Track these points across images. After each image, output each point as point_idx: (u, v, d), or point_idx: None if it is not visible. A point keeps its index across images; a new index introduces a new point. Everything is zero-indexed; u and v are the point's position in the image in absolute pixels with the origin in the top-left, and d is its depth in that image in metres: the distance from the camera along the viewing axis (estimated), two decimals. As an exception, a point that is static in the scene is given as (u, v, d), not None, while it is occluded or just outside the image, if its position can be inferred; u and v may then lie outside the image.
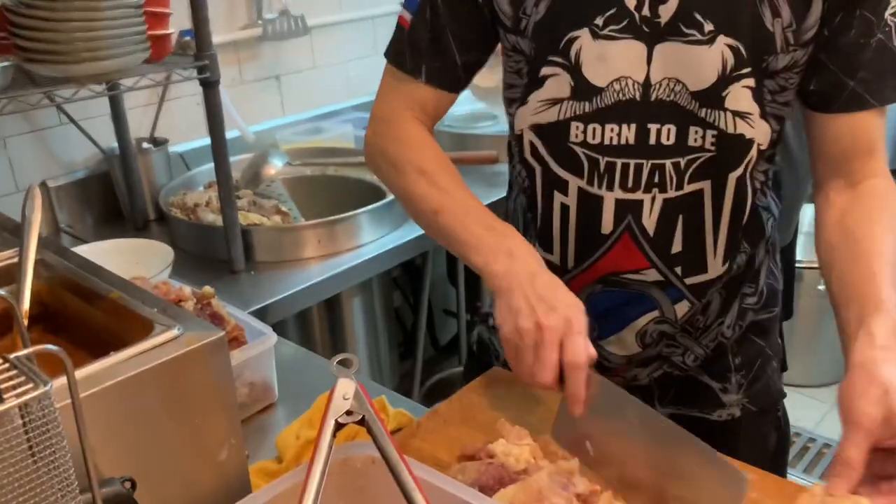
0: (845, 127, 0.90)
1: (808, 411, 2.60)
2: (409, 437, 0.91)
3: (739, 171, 0.91)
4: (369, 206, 1.67)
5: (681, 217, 0.93)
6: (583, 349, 0.80)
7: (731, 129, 0.88)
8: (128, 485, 0.62)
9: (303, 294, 1.52)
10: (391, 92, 1.01)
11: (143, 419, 0.68)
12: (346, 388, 0.68)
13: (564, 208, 0.96)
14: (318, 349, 1.79)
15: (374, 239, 1.69)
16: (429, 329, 2.53)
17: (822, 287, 2.76)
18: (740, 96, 0.86)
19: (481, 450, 0.83)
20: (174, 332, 0.70)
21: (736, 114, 0.87)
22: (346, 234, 1.66)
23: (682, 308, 0.98)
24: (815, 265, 2.86)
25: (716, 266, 0.96)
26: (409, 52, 0.97)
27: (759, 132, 0.89)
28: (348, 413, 0.66)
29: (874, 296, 0.80)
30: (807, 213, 2.88)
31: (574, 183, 0.94)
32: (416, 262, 2.26)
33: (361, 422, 0.66)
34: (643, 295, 0.97)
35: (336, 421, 0.66)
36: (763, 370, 1.09)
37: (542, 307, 0.82)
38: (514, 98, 0.96)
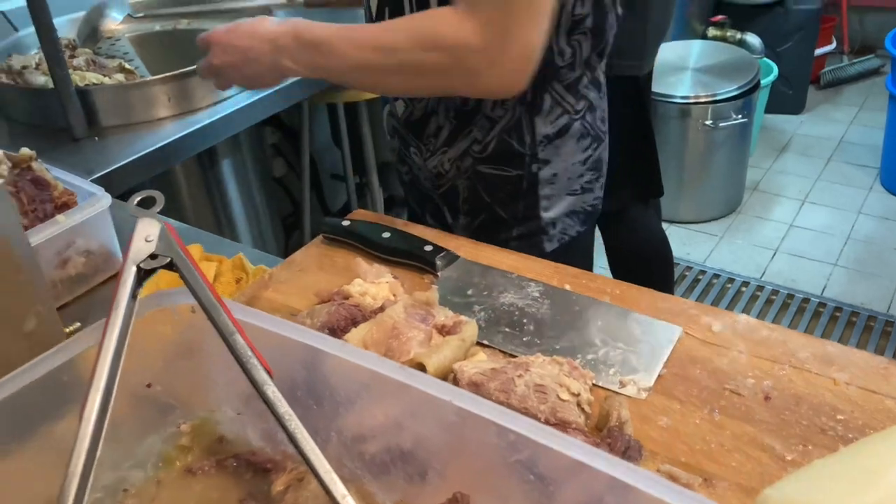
0: None
1: (697, 245, 2.67)
2: (261, 288, 0.82)
3: None
4: (224, 56, 1.50)
5: None
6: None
7: None
8: None
9: (154, 156, 1.37)
10: None
11: None
12: (148, 229, 0.58)
13: None
14: (191, 219, 1.66)
15: (234, 93, 1.53)
16: (318, 196, 2.41)
17: (709, 122, 2.75)
18: None
19: (336, 293, 0.75)
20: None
21: None
22: (201, 88, 1.49)
23: (400, 104, 1.01)
24: (702, 100, 2.84)
25: None
26: None
27: None
28: (153, 257, 0.57)
29: None
30: (673, 49, 2.84)
31: None
32: (294, 125, 2.11)
33: (171, 266, 0.57)
34: None
35: (139, 266, 0.56)
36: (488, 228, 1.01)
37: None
38: None
